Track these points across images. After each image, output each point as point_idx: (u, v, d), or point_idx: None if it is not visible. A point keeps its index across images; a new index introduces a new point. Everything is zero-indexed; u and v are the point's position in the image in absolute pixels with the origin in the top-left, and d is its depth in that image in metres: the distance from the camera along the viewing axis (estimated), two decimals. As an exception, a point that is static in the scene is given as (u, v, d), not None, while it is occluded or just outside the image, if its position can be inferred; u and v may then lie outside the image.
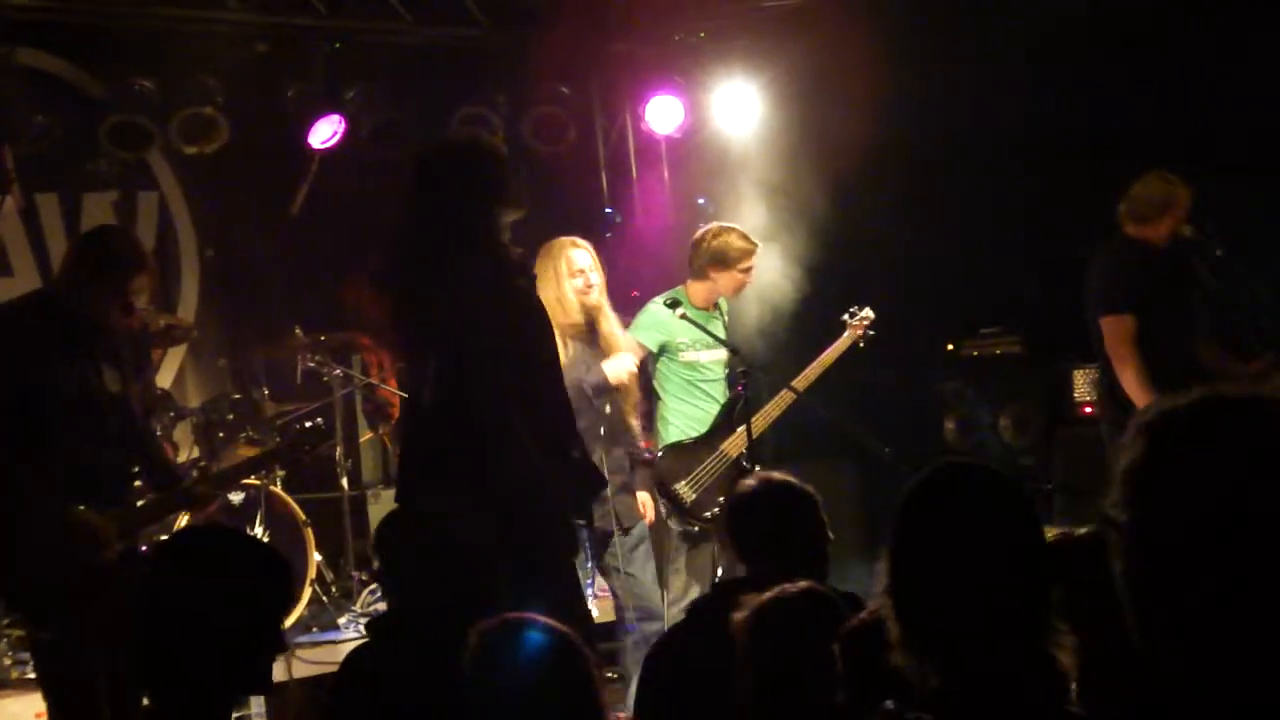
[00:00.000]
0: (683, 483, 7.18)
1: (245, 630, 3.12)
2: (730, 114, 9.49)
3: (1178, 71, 8.18)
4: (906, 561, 2.51)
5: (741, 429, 7.05)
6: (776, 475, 4.52)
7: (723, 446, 7.21)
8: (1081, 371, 7.92)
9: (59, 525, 5.24)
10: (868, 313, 7.52)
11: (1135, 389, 7.05)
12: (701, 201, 9.79)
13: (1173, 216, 7.25)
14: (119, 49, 8.61)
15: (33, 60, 8.54)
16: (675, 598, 7.22)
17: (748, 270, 7.38)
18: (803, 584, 3.39)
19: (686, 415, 7.35)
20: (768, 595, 3.38)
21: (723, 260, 7.32)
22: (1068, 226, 8.31)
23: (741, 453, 7.09)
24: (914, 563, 2.51)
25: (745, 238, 7.38)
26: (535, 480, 4.97)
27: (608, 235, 9.93)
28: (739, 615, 3.38)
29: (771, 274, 7.89)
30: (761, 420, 7.23)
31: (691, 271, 7.44)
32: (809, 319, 8.12)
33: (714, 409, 7.33)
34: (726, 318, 7.56)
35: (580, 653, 3.20)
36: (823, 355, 7.42)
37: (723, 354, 7.32)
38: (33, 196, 8.67)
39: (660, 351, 7.31)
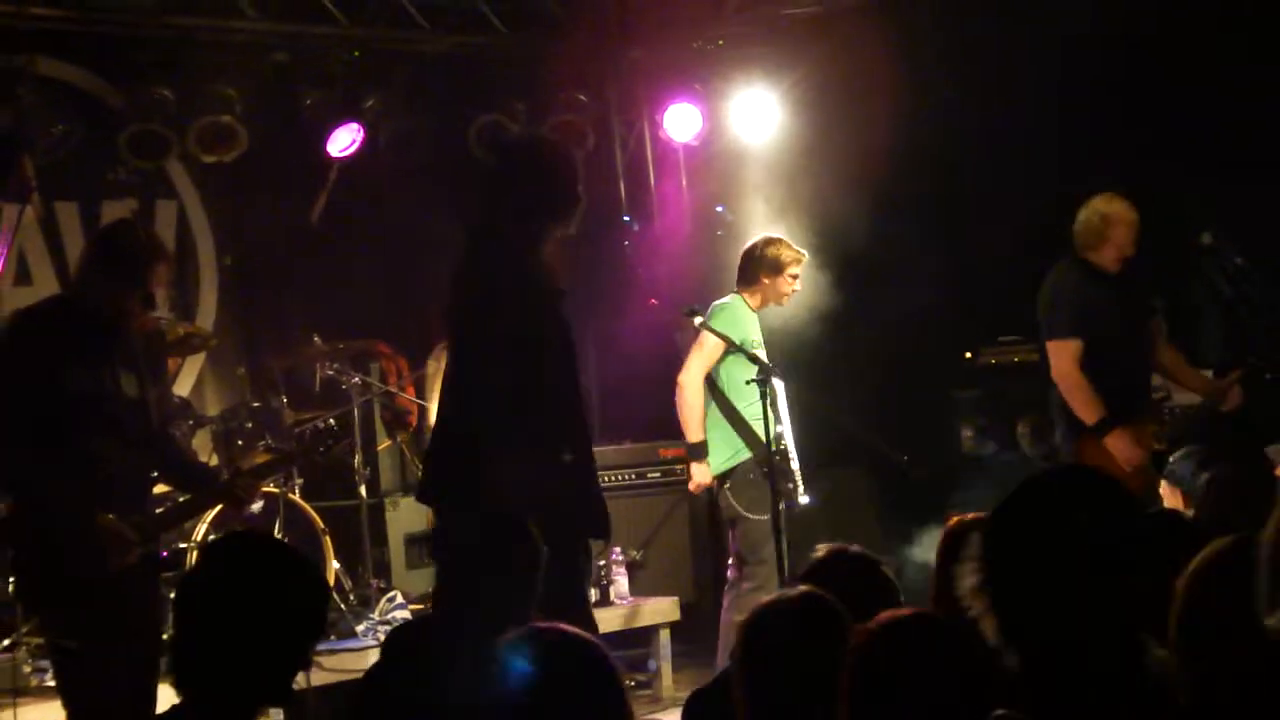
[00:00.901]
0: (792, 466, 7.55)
1: (277, 642, 3.14)
2: (748, 121, 9.48)
3: (1200, 77, 8.15)
4: (1008, 566, 2.51)
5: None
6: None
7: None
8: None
9: (83, 531, 5.25)
10: None
11: (1085, 410, 7.27)
12: (720, 209, 9.79)
13: (1114, 241, 7.36)
14: (138, 58, 8.63)
15: (52, 70, 8.56)
16: (758, 585, 7.31)
17: (796, 277, 7.66)
18: (802, 588, 3.36)
19: (751, 413, 7.41)
20: (765, 600, 3.35)
21: (776, 267, 7.61)
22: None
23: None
24: (1016, 568, 2.50)
25: (793, 247, 7.68)
26: (527, 485, 4.97)
27: (626, 243, 9.94)
28: (738, 618, 3.36)
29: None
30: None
31: (744, 279, 7.68)
32: (826, 325, 8.12)
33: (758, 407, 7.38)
34: None
35: (608, 661, 3.20)
36: None
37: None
38: (52, 205, 8.69)
39: (740, 346, 7.41)
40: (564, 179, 5.38)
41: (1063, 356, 7.34)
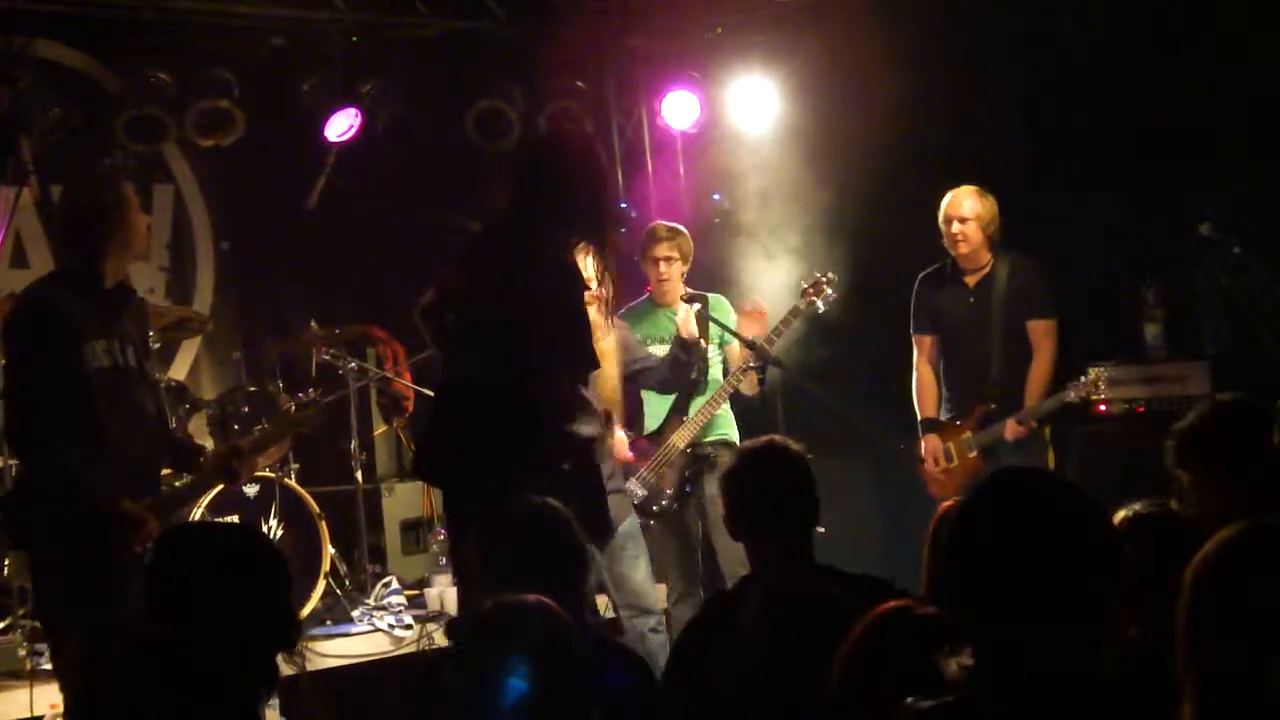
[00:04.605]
0: None
1: (242, 623, 3.16)
2: (747, 109, 9.46)
3: (1200, 65, 8.14)
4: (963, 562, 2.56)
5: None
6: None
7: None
8: (1096, 369, 7.89)
9: (106, 513, 5.24)
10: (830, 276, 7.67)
11: (917, 407, 7.79)
12: (717, 197, 9.77)
13: (944, 236, 7.71)
14: (136, 42, 8.62)
15: (50, 53, 8.56)
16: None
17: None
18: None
19: None
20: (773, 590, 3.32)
21: None
22: (1083, 223, 8.29)
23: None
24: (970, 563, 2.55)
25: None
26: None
27: (622, 231, 9.93)
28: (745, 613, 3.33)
29: (785, 270, 7.89)
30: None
31: None
32: (822, 315, 8.11)
33: None
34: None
35: (566, 633, 3.23)
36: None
37: None
38: (48, 188, 8.68)
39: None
40: (590, 192, 5.33)
41: (915, 351, 7.78)
